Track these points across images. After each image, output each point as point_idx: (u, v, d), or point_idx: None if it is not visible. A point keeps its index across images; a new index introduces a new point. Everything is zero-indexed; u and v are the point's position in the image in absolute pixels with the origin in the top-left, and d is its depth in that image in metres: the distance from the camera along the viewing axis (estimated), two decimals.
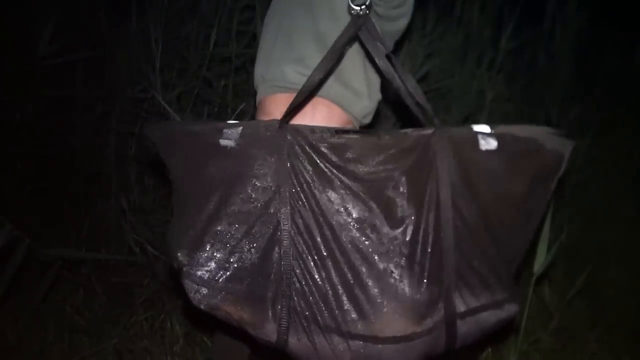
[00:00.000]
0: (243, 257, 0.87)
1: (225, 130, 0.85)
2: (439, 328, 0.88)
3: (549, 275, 2.05)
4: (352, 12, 0.85)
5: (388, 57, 0.88)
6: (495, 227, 0.87)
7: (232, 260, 0.87)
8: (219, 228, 0.87)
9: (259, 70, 1.16)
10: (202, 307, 0.89)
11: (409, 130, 0.86)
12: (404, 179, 0.84)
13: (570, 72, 2.69)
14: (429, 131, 0.84)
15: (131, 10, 2.09)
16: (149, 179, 2.18)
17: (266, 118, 1.14)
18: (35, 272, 1.83)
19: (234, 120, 1.54)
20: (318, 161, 0.84)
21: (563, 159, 0.86)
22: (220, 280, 0.87)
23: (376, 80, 1.18)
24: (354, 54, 1.11)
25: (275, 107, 1.12)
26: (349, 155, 0.84)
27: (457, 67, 2.51)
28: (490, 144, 0.83)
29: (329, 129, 0.86)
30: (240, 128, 0.85)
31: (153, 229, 2.02)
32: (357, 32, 0.86)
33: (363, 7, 0.84)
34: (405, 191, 0.84)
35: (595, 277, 2.17)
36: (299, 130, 0.86)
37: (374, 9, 1.08)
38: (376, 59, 0.88)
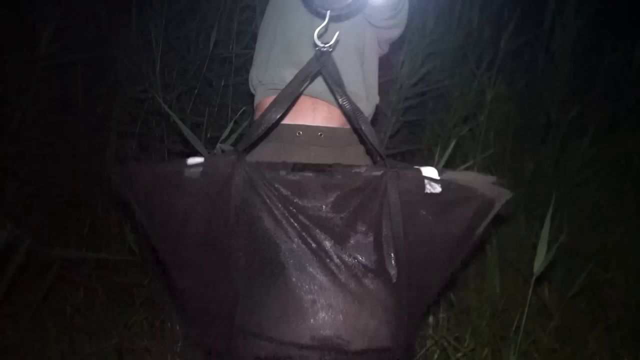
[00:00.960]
0: (207, 292, 0.92)
1: (186, 170, 0.89)
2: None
3: (549, 275, 2.05)
4: (316, 49, 0.86)
5: (345, 96, 0.90)
6: (430, 268, 0.93)
7: (199, 294, 0.93)
8: (181, 258, 0.93)
9: (257, 73, 1.17)
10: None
11: (361, 170, 0.90)
12: (354, 216, 0.88)
13: (570, 72, 2.69)
14: (379, 172, 0.88)
15: (131, 11, 2.09)
16: None
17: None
18: (35, 272, 1.83)
19: (234, 120, 1.55)
20: (272, 196, 0.87)
21: (494, 206, 0.91)
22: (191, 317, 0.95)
23: (374, 85, 1.19)
24: (353, 58, 1.12)
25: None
26: (302, 192, 0.88)
27: (457, 67, 2.51)
28: (435, 188, 0.88)
29: (285, 166, 0.89)
30: (201, 168, 0.89)
31: None
32: (319, 69, 0.87)
33: (327, 45, 0.85)
34: (353, 227, 0.88)
35: (595, 277, 2.17)
36: (256, 166, 0.89)
37: (367, 19, 1.09)
38: (337, 97, 0.91)
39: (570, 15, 2.61)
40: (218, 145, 1.47)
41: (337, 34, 0.86)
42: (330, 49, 0.86)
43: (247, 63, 2.13)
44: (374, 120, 1.22)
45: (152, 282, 2.01)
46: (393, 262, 0.88)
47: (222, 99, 2.11)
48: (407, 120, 2.44)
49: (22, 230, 1.61)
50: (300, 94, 1.04)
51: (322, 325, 0.87)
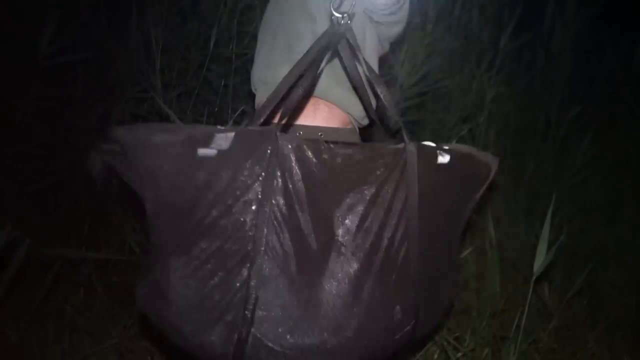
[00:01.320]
0: (207, 279, 0.81)
1: (216, 136, 0.77)
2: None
3: (549, 275, 2.05)
4: (333, 17, 0.87)
5: (367, 68, 0.92)
6: (448, 233, 0.99)
7: (193, 283, 0.82)
8: (192, 242, 0.81)
9: (259, 73, 1.17)
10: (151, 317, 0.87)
11: (385, 144, 0.94)
12: (377, 188, 0.88)
13: (570, 72, 2.69)
14: (401, 145, 0.92)
15: (131, 10, 2.09)
16: None
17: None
18: (35, 272, 1.83)
19: (233, 121, 1.55)
20: (304, 176, 0.82)
21: (491, 170, 1.02)
22: (173, 305, 0.83)
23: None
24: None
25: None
26: (333, 168, 0.84)
27: (457, 67, 2.51)
28: (445, 158, 0.94)
29: (318, 142, 0.84)
30: (232, 134, 0.77)
31: None
32: (337, 40, 0.88)
33: (345, 15, 0.86)
34: (377, 201, 0.87)
35: (595, 277, 2.17)
36: (294, 140, 0.82)
37: (369, 15, 1.09)
38: (347, 71, 0.93)
39: (570, 15, 2.61)
40: None
41: (353, 2, 0.87)
42: (349, 19, 0.87)
43: (247, 63, 2.13)
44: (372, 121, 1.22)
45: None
46: (402, 238, 0.89)
47: (222, 99, 2.11)
48: (407, 120, 2.44)
49: (22, 230, 1.61)
50: (306, 94, 1.02)
51: (342, 318, 0.83)
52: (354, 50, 0.91)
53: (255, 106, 1.21)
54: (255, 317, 0.81)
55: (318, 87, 1.08)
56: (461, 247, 1.06)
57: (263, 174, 0.79)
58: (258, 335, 0.81)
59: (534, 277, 1.60)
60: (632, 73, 2.83)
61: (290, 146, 0.80)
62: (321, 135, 1.11)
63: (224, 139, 0.77)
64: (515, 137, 2.66)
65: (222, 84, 2.11)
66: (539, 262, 1.57)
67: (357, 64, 0.94)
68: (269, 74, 1.13)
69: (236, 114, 1.65)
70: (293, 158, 0.81)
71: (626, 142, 2.77)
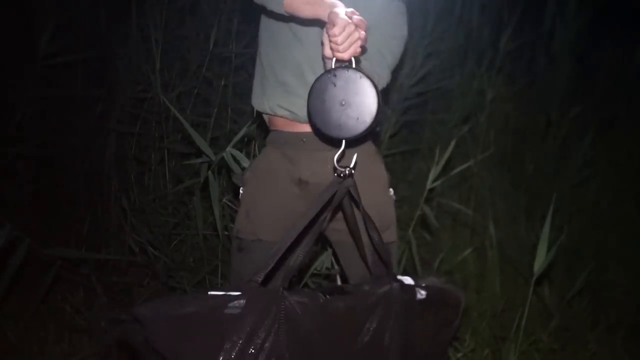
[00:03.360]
0: None
1: (229, 305, 0.82)
2: None
3: (549, 275, 2.05)
4: (337, 172, 0.92)
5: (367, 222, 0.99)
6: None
7: None
8: None
9: (255, 103, 1.23)
10: None
11: (368, 287, 0.99)
12: (370, 329, 0.95)
13: (570, 72, 2.70)
14: (387, 287, 0.98)
15: (131, 10, 2.09)
16: (149, 179, 2.18)
17: (275, 129, 1.21)
18: (35, 272, 1.83)
19: (234, 121, 1.56)
20: (309, 328, 0.88)
21: (461, 302, 1.10)
22: None
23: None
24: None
25: (277, 122, 1.20)
26: (337, 320, 0.92)
27: (457, 67, 2.52)
28: (422, 294, 1.03)
29: (316, 295, 0.90)
30: (243, 300, 0.83)
31: (153, 229, 2.02)
32: (342, 194, 0.93)
33: (348, 168, 0.92)
34: (368, 341, 0.94)
35: (595, 277, 2.17)
36: (295, 297, 0.87)
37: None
38: (347, 221, 1.01)
39: (570, 15, 2.61)
40: (228, 149, 1.48)
41: (355, 157, 0.94)
42: (352, 171, 0.92)
43: (247, 63, 2.13)
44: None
45: (152, 282, 2.01)
46: None
47: (222, 99, 2.11)
48: (407, 120, 2.44)
49: (22, 230, 1.61)
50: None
51: None
52: (355, 203, 0.96)
53: (264, 116, 1.26)
54: None
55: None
56: None
57: (273, 331, 0.84)
58: None
59: (534, 277, 1.60)
60: (632, 73, 2.83)
61: (294, 302, 0.86)
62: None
63: (236, 306, 0.82)
64: (515, 137, 2.66)
65: (222, 84, 2.11)
66: (539, 262, 1.57)
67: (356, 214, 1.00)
68: (265, 106, 1.19)
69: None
70: (298, 311, 0.87)
71: (626, 142, 2.77)
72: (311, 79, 0.94)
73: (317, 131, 0.95)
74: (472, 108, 2.51)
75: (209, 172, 1.59)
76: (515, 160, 2.63)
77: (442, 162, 1.65)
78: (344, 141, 0.92)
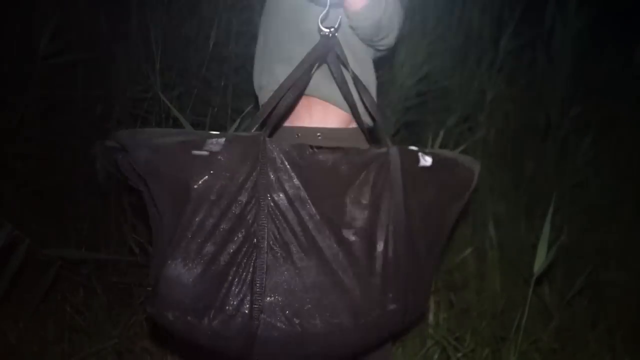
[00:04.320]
0: (220, 274, 0.87)
1: (208, 140, 0.84)
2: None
3: (549, 275, 2.05)
4: (321, 33, 0.92)
5: (354, 79, 0.99)
6: (427, 234, 1.02)
7: (209, 279, 0.86)
8: (196, 242, 0.86)
9: (256, 79, 1.19)
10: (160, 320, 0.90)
11: (369, 148, 1.00)
12: (364, 189, 0.94)
13: (570, 72, 2.69)
14: (384, 149, 0.97)
15: (131, 10, 2.09)
16: None
17: None
18: (35, 272, 1.83)
19: (238, 120, 1.56)
20: (295, 174, 0.90)
21: (474, 174, 1.07)
22: (187, 300, 0.87)
23: (372, 83, 1.18)
24: (347, 55, 1.11)
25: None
26: (322, 169, 0.92)
27: (457, 67, 2.51)
28: (427, 161, 1.00)
29: (304, 146, 0.91)
30: (224, 139, 0.85)
31: None
32: (326, 53, 0.94)
33: (332, 29, 0.91)
34: (364, 202, 0.94)
35: (595, 277, 2.17)
36: (281, 145, 0.90)
37: (356, 32, 1.09)
38: (336, 81, 1.00)
39: (570, 15, 2.61)
40: None
41: (340, 17, 0.94)
42: (336, 32, 0.92)
43: (247, 63, 2.13)
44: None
45: (152, 282, 2.00)
46: (391, 234, 0.95)
47: (222, 99, 2.11)
48: (407, 120, 2.43)
49: (22, 230, 1.61)
50: (301, 94, 1.06)
51: (330, 307, 0.90)
52: (342, 63, 0.97)
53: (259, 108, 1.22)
54: (264, 304, 0.87)
55: (310, 85, 1.08)
56: (446, 244, 1.14)
57: (255, 174, 0.87)
58: (268, 319, 0.88)
59: (534, 277, 1.59)
60: (632, 73, 2.83)
61: (278, 149, 0.88)
62: (319, 136, 1.11)
63: (215, 144, 0.84)
64: (515, 137, 2.66)
65: (222, 84, 2.11)
66: (539, 262, 1.57)
67: (345, 75, 1.01)
68: (263, 78, 1.15)
69: (241, 116, 1.65)
70: (281, 160, 0.89)
71: (626, 142, 2.77)
72: None
73: None
74: (472, 108, 2.51)
75: None
76: (515, 160, 2.63)
77: None
78: (328, 1, 0.92)
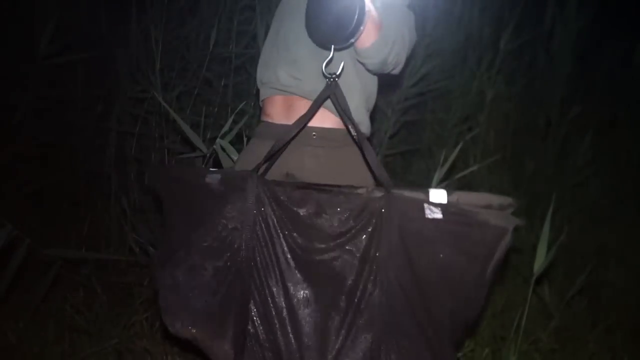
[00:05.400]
0: (210, 288, 1.01)
1: (208, 175, 1.01)
2: None
3: (549, 275, 2.05)
4: (326, 79, 0.96)
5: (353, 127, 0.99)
6: (431, 295, 0.88)
7: (200, 290, 1.01)
8: (193, 260, 1.02)
9: (260, 72, 1.20)
10: (176, 332, 1.03)
11: (363, 191, 0.92)
12: (349, 235, 0.92)
13: (570, 72, 2.70)
14: (379, 194, 0.90)
15: (131, 10, 2.09)
16: (149, 179, 2.18)
17: (265, 118, 1.19)
18: (35, 272, 1.83)
19: (233, 119, 1.55)
20: (278, 211, 0.97)
21: (506, 235, 0.83)
22: (187, 309, 1.02)
23: (372, 91, 1.18)
24: (355, 84, 1.12)
25: (272, 108, 1.17)
26: (303, 208, 0.95)
27: (457, 67, 2.51)
28: (436, 213, 0.85)
29: (292, 185, 0.97)
30: (220, 175, 1.01)
31: (153, 229, 2.02)
32: (329, 95, 0.98)
33: (334, 75, 0.95)
34: (348, 246, 0.92)
35: (595, 277, 2.17)
36: (267, 182, 0.98)
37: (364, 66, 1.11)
38: (338, 113, 1.02)
39: (570, 15, 2.61)
40: (218, 140, 1.47)
41: (342, 64, 0.97)
42: (337, 79, 0.95)
43: (247, 63, 2.13)
44: (373, 119, 1.22)
45: (152, 282, 2.01)
46: (377, 284, 0.91)
47: (221, 99, 2.11)
48: (407, 120, 2.43)
49: (22, 230, 1.61)
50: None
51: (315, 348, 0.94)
52: (342, 110, 0.98)
53: (259, 103, 1.23)
54: (250, 316, 0.99)
55: (309, 88, 1.09)
56: (477, 316, 0.92)
57: (243, 207, 0.98)
58: (252, 331, 1.00)
59: (534, 277, 1.59)
60: (632, 73, 2.83)
61: (264, 189, 0.97)
62: (314, 135, 1.10)
63: (212, 179, 1.00)
64: (515, 137, 2.66)
65: (222, 84, 2.11)
66: (539, 262, 1.57)
67: (346, 122, 1.04)
68: (266, 74, 1.16)
69: (234, 113, 1.65)
70: (267, 198, 0.97)
71: (626, 142, 2.77)
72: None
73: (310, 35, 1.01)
74: (472, 108, 2.51)
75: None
76: (515, 160, 2.63)
77: (447, 165, 1.65)
78: (332, 47, 0.97)
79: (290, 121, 1.11)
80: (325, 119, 1.12)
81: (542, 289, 2.03)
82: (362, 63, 1.09)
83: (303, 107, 1.10)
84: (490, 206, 0.86)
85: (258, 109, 1.28)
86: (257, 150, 1.12)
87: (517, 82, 2.69)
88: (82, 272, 2.00)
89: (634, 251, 2.38)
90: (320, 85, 1.02)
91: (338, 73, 0.96)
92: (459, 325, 0.90)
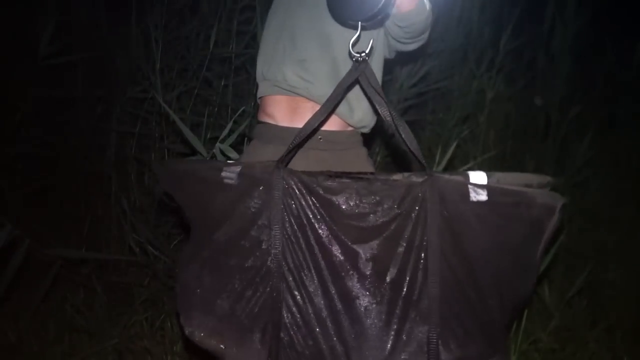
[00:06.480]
0: (236, 290, 0.93)
1: (224, 169, 0.91)
2: None
3: (549, 275, 2.05)
4: (353, 58, 0.89)
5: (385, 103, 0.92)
6: (483, 279, 0.86)
7: (225, 293, 0.93)
8: (218, 261, 0.94)
9: (260, 67, 1.15)
10: (194, 338, 0.96)
11: (400, 176, 0.87)
12: (393, 224, 0.86)
13: (570, 72, 2.69)
14: (419, 179, 0.85)
15: (131, 11, 2.09)
16: (149, 179, 2.18)
17: (266, 119, 1.15)
18: (35, 272, 1.83)
19: (234, 119, 1.55)
20: (311, 202, 0.88)
21: (554, 212, 0.84)
22: (212, 314, 0.94)
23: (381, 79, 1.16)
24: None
25: (275, 108, 1.13)
26: (340, 198, 0.87)
27: (457, 67, 2.51)
28: (481, 195, 0.82)
29: (323, 173, 0.89)
30: (239, 168, 0.90)
31: (153, 229, 2.02)
32: (357, 76, 0.90)
33: (363, 54, 0.88)
34: (392, 235, 0.86)
35: (595, 277, 2.17)
36: (296, 173, 0.89)
37: (391, 33, 1.08)
38: (375, 103, 0.91)
39: (570, 15, 2.61)
40: (217, 144, 1.47)
41: (371, 41, 0.90)
42: (367, 57, 0.88)
43: (247, 63, 2.13)
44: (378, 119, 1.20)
45: (152, 282, 2.01)
46: (427, 273, 0.85)
47: (221, 99, 2.11)
48: (407, 120, 2.43)
49: (22, 230, 1.61)
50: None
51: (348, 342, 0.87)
52: (372, 86, 0.90)
53: (257, 98, 1.19)
54: (283, 322, 0.91)
55: (317, 91, 1.07)
56: (529, 296, 0.92)
57: (270, 201, 0.89)
58: (287, 338, 0.91)
59: None
60: (632, 73, 2.83)
61: (294, 179, 0.89)
62: (320, 139, 1.10)
63: (232, 171, 0.91)
64: (515, 137, 2.66)
65: (222, 84, 2.11)
66: None
67: (376, 104, 0.93)
68: (270, 70, 1.12)
69: (236, 114, 1.65)
70: (298, 190, 0.89)
71: (626, 142, 2.77)
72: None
73: (333, 15, 0.96)
74: (472, 108, 2.51)
75: None
76: (515, 160, 2.63)
77: (443, 163, 1.65)
78: (359, 24, 0.90)
79: (294, 124, 1.10)
80: (331, 122, 1.11)
81: (542, 289, 2.03)
82: (403, 27, 1.05)
83: (309, 110, 1.08)
84: (531, 185, 0.84)
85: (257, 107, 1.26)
86: (260, 153, 1.11)
87: (517, 82, 2.69)
88: (82, 272, 2.00)
89: (634, 251, 2.38)
90: (330, 89, 1.01)
91: (367, 51, 0.88)
92: (510, 308, 0.89)
